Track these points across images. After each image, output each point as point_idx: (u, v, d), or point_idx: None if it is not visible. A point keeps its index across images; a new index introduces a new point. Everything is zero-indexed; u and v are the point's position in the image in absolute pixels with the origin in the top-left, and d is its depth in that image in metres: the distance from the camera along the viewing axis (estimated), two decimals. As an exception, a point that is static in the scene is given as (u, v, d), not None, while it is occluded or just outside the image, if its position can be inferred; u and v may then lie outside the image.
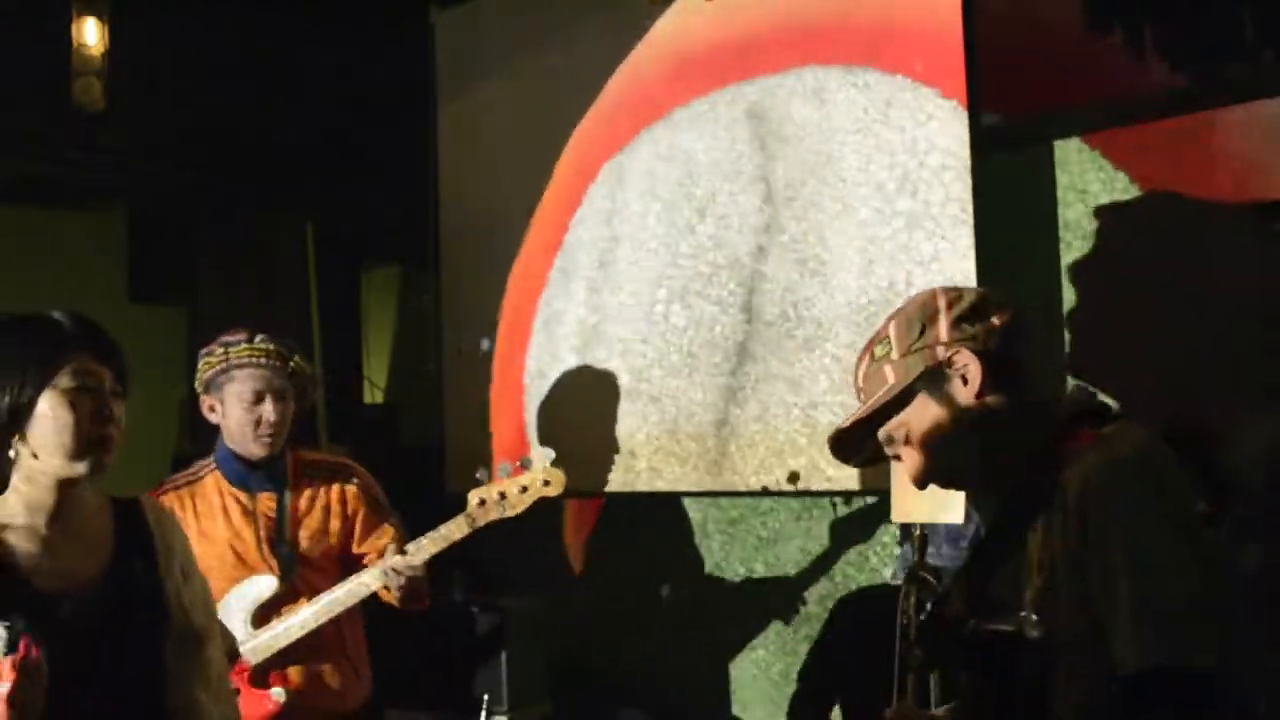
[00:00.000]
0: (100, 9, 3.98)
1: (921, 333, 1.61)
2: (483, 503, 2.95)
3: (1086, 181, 3.37)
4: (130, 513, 1.95)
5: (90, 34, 3.97)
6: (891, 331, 1.65)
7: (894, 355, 1.63)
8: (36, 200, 5.45)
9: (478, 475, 3.00)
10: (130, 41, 4.11)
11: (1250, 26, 3.03)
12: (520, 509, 2.98)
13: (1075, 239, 3.38)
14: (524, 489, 2.96)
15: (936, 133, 3.35)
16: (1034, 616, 1.50)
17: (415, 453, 4.61)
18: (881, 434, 1.66)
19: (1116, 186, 3.31)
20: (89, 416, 1.80)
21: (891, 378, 1.63)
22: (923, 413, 1.62)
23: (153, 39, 4.35)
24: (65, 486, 1.84)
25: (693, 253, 3.88)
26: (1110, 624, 1.39)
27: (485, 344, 4.33)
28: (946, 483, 1.66)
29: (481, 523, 2.95)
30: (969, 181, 3.28)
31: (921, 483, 1.66)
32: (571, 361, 4.17)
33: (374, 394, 5.52)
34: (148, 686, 1.83)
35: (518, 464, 2.97)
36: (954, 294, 1.64)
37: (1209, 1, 3.13)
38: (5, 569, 1.78)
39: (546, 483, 2.96)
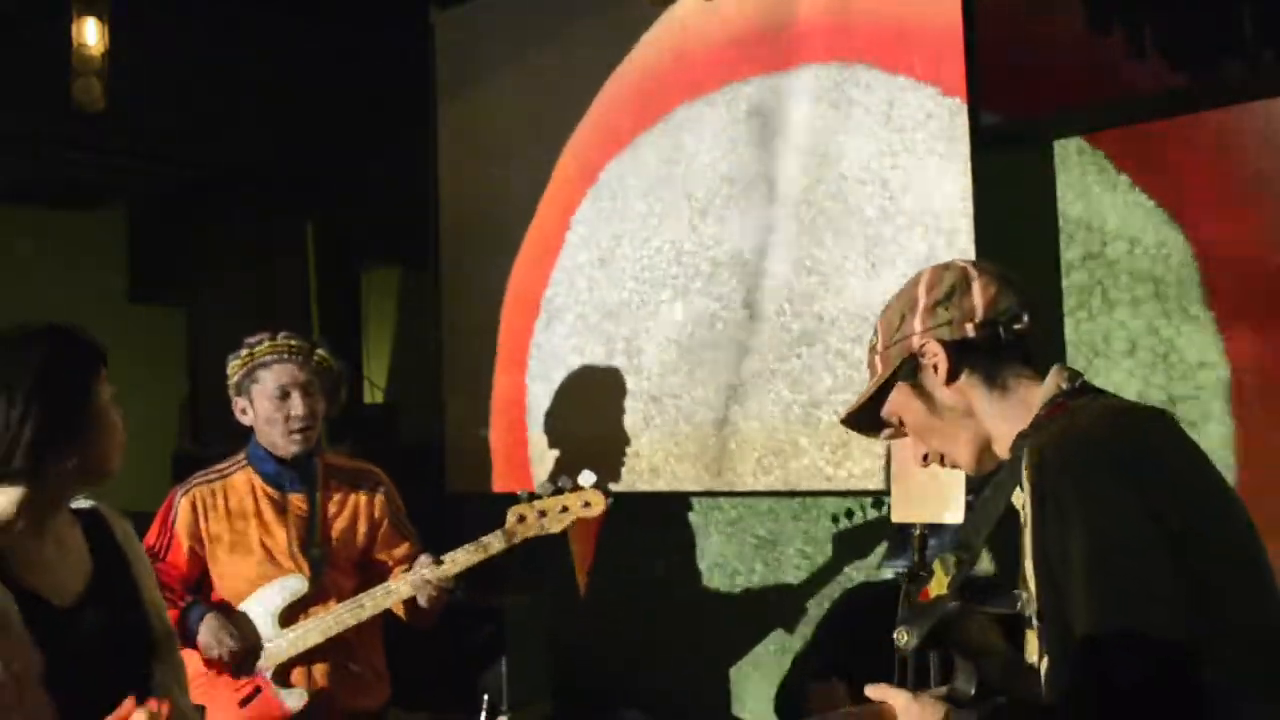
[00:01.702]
0: (100, 9, 3.98)
1: (901, 323, 1.64)
2: (522, 519, 2.95)
3: (1086, 181, 3.37)
4: (96, 522, 1.92)
5: (90, 34, 3.97)
6: (880, 323, 1.69)
7: (880, 347, 1.68)
8: (36, 200, 5.45)
9: (519, 493, 2.99)
10: (130, 41, 4.11)
11: (1250, 26, 3.03)
12: (559, 529, 2.97)
13: (1075, 238, 3.39)
14: (565, 509, 2.95)
15: (936, 132, 3.35)
16: (1026, 594, 1.50)
17: (415, 453, 4.61)
18: (884, 417, 1.71)
19: (1116, 185, 3.32)
20: (122, 427, 1.82)
21: (879, 368, 1.68)
22: (905, 402, 1.66)
23: (153, 39, 4.35)
24: (61, 497, 1.82)
25: (694, 251, 3.89)
26: (1069, 597, 1.39)
27: None
28: (942, 462, 1.69)
29: (519, 539, 2.95)
30: (969, 181, 3.29)
31: (920, 463, 1.71)
32: (573, 361, 4.17)
33: (374, 394, 5.52)
34: (139, 694, 1.79)
35: (558, 484, 2.97)
36: (936, 276, 1.64)
37: (1209, 1, 3.13)
38: (11, 579, 1.74)
39: (587, 504, 2.95)
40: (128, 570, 1.91)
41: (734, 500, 4.02)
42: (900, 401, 1.66)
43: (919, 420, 1.65)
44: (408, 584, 2.92)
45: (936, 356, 1.60)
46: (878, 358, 1.68)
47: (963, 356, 1.59)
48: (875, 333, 1.70)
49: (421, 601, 2.93)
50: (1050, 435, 1.48)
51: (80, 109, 4.00)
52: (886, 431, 1.74)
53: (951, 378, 1.60)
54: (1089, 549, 1.37)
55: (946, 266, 1.66)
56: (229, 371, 3.03)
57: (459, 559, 2.93)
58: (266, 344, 2.99)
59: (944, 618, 1.44)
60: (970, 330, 1.59)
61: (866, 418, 1.72)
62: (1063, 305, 3.37)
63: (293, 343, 3.00)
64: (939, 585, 1.48)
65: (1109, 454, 1.43)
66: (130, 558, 1.92)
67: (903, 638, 1.44)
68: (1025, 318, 1.61)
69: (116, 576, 1.88)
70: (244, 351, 3.01)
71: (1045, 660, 1.48)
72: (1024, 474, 1.47)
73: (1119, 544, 1.37)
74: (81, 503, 1.94)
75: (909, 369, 1.63)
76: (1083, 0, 3.24)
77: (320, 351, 3.03)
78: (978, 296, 1.60)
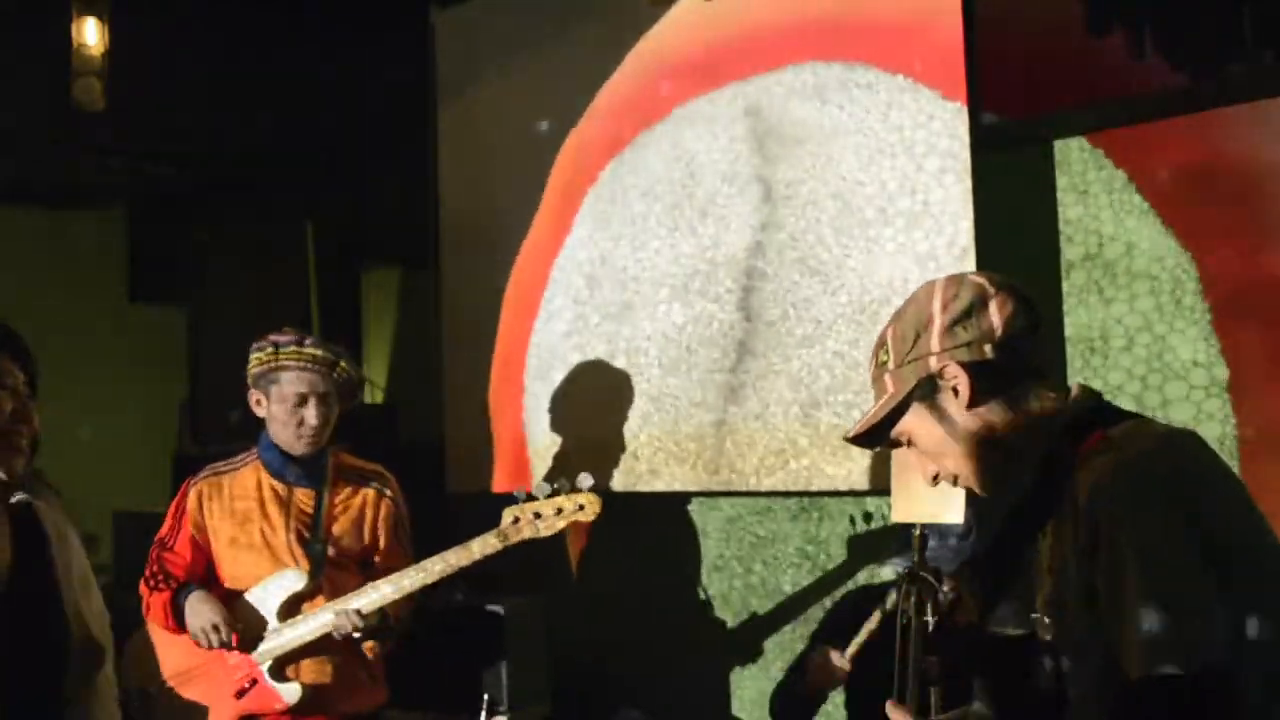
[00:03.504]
0: (100, 9, 3.98)
1: (915, 341, 1.59)
2: (517, 521, 2.96)
3: (1086, 181, 3.37)
4: (26, 519, 1.86)
5: (90, 34, 3.97)
6: (890, 338, 1.63)
7: (891, 365, 1.62)
8: (36, 200, 5.46)
9: (515, 492, 2.99)
10: (130, 41, 4.12)
11: (1250, 26, 3.03)
12: (553, 531, 2.98)
13: (1075, 238, 3.39)
14: (559, 511, 2.96)
15: (936, 132, 3.35)
16: (1047, 620, 1.49)
17: (415, 453, 4.61)
18: (892, 435, 1.66)
19: (1116, 186, 3.32)
20: (8, 414, 1.75)
21: (890, 387, 1.62)
22: (920, 423, 1.61)
23: (153, 39, 4.35)
24: None
25: (693, 252, 3.89)
26: (1120, 627, 1.38)
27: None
28: (954, 482, 1.65)
29: (514, 541, 2.96)
30: (969, 181, 3.29)
31: (930, 482, 1.66)
32: (572, 361, 4.17)
33: (374, 394, 5.52)
34: (49, 703, 1.76)
35: (555, 486, 2.97)
36: (950, 293, 1.59)
37: (1209, 1, 3.13)
38: None
39: (581, 507, 2.96)
40: (52, 575, 1.84)
41: (733, 500, 4.02)
42: (915, 423, 1.61)
43: (934, 442, 1.61)
44: (393, 589, 2.93)
45: (958, 379, 1.56)
46: (888, 376, 1.62)
47: (983, 379, 1.56)
48: (884, 348, 1.64)
49: (342, 629, 2.90)
50: (1099, 468, 1.45)
51: (80, 109, 4.00)
52: (882, 444, 1.70)
53: (974, 402, 1.56)
54: (1143, 591, 1.36)
55: (959, 281, 1.61)
56: (250, 361, 3.05)
57: (447, 560, 2.94)
58: (293, 349, 3.00)
59: (972, 646, 1.44)
60: (990, 351, 1.55)
61: (873, 435, 1.67)
62: (1062, 305, 3.37)
63: (318, 353, 3.02)
64: (968, 612, 1.47)
65: (1160, 487, 1.42)
66: (58, 561, 1.85)
67: (925, 664, 1.43)
68: (1038, 333, 1.58)
69: (33, 578, 1.82)
70: (269, 348, 3.02)
71: (1073, 687, 1.48)
72: (1077, 504, 1.45)
73: (1172, 580, 1.37)
74: (21, 497, 1.88)
75: (926, 390, 1.58)
76: (1083, 0, 3.24)
77: (343, 364, 3.06)
78: (995, 315, 1.56)
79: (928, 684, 1.49)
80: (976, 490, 1.64)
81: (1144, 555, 1.37)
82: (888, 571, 3.52)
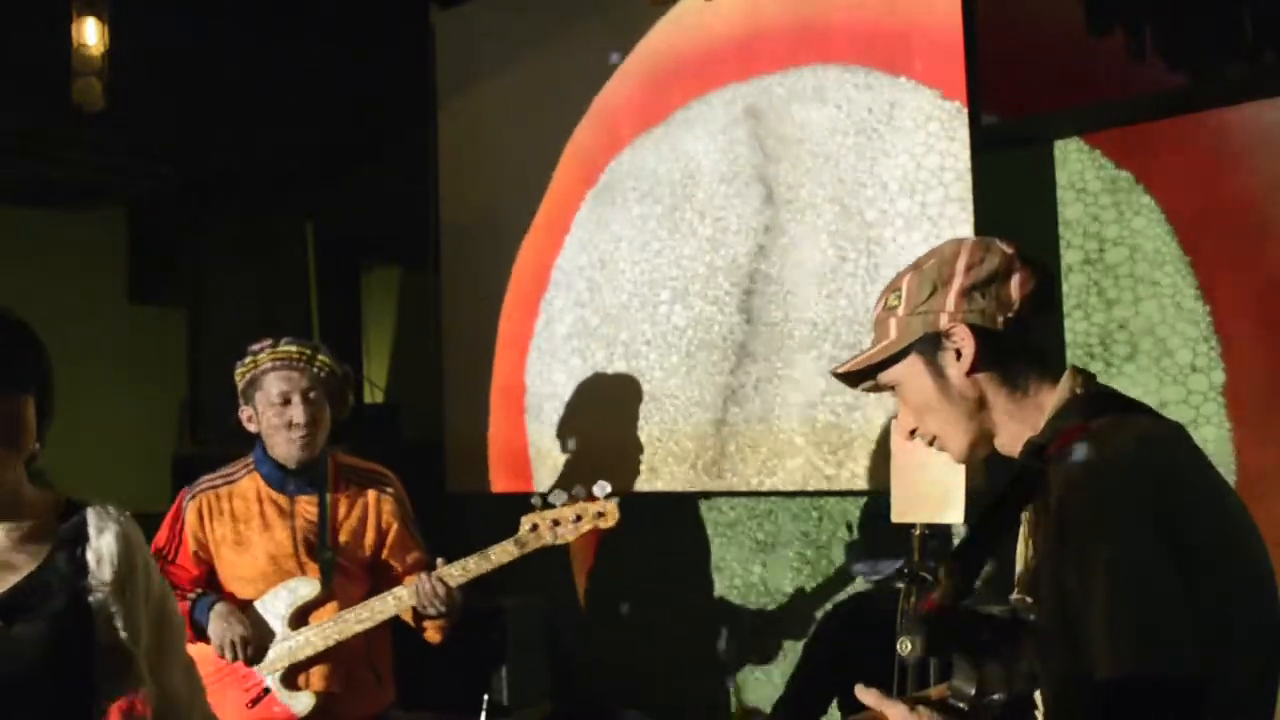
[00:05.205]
0: (100, 9, 3.98)
1: (931, 295, 1.57)
2: (535, 528, 2.93)
3: (1086, 181, 3.37)
4: (71, 516, 1.81)
5: (90, 34, 3.97)
6: (905, 284, 1.61)
7: (900, 310, 1.60)
8: (36, 200, 5.46)
9: (533, 500, 2.98)
10: (130, 41, 4.12)
11: (1250, 26, 3.03)
12: (572, 539, 2.95)
13: (1075, 239, 3.39)
14: (578, 518, 2.93)
15: (937, 133, 3.35)
16: (1027, 600, 1.50)
17: (415, 453, 4.61)
18: (881, 379, 1.65)
19: (1116, 186, 3.32)
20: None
21: (893, 333, 1.60)
22: (914, 374, 1.60)
23: (153, 39, 4.35)
24: None
25: (693, 253, 3.89)
26: (1086, 624, 1.38)
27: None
28: (930, 442, 1.63)
29: (531, 548, 2.94)
30: (969, 182, 3.29)
31: (905, 437, 1.65)
32: (572, 362, 4.17)
33: (374, 394, 5.53)
34: (79, 708, 1.73)
35: (572, 493, 2.95)
36: (978, 255, 1.57)
37: (1209, 1, 3.13)
38: None
39: (600, 514, 2.93)
40: (78, 579, 1.77)
41: (733, 501, 4.02)
42: (908, 374, 1.60)
43: (924, 398, 1.59)
44: (411, 592, 2.91)
45: (964, 342, 1.54)
46: (894, 320, 1.60)
47: (988, 348, 1.54)
48: (896, 293, 1.62)
49: (427, 609, 2.91)
50: (1072, 466, 1.44)
51: (80, 109, 4.00)
52: (867, 384, 1.67)
53: (975, 368, 1.55)
54: (1110, 591, 1.36)
55: (987, 246, 1.59)
56: (236, 378, 3.03)
57: (469, 568, 2.91)
58: (268, 352, 2.97)
59: (944, 623, 1.44)
60: (1001, 323, 1.54)
61: (863, 376, 1.66)
62: (1062, 307, 3.37)
63: (293, 350, 2.98)
64: (943, 595, 1.48)
65: (1133, 490, 1.40)
66: (90, 562, 1.79)
67: (906, 647, 1.43)
68: (1048, 315, 1.57)
69: (58, 585, 1.76)
70: (248, 359, 3.00)
71: (1043, 675, 1.48)
72: (1049, 497, 1.44)
73: (1140, 589, 1.36)
74: (88, 499, 1.85)
75: (928, 344, 1.57)
76: (1083, 0, 3.24)
77: (322, 357, 3.01)
78: (1016, 290, 1.55)
79: (906, 669, 1.49)
80: (951, 456, 1.63)
81: (1112, 557, 1.37)
82: (889, 571, 3.52)
